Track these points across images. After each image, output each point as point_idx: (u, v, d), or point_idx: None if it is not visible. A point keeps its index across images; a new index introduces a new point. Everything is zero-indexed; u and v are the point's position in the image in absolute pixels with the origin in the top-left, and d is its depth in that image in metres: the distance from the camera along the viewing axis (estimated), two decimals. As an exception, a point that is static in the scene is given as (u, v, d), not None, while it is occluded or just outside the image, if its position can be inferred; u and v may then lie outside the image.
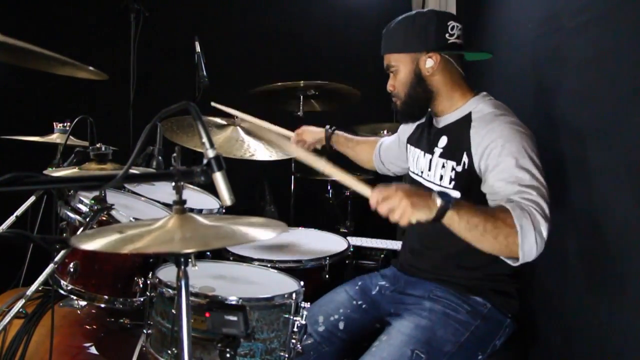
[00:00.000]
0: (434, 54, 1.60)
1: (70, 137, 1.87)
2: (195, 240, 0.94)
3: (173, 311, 1.33)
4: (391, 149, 2.03)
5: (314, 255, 1.88)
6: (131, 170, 0.98)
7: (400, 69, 1.64)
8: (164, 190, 1.89)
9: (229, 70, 3.18)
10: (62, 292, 1.55)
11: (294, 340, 1.38)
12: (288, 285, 1.50)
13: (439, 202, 1.28)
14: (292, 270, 1.73)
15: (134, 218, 1.59)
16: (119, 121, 2.90)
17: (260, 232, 0.99)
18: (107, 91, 2.89)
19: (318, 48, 3.46)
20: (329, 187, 3.13)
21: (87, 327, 1.74)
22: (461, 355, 1.51)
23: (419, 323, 1.52)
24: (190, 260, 0.96)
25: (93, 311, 1.78)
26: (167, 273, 1.45)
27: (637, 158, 1.35)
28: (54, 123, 2.32)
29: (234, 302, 1.30)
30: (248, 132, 2.16)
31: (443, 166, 1.61)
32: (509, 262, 1.37)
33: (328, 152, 2.09)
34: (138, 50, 2.94)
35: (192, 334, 0.96)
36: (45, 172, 1.52)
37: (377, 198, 1.29)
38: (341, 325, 1.68)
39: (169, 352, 1.33)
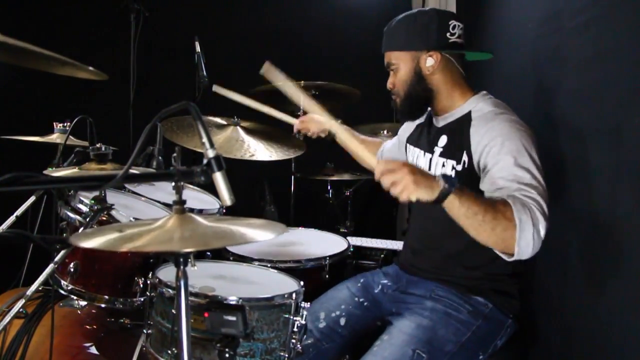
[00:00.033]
0: (435, 52, 1.60)
1: (70, 137, 1.87)
2: (194, 239, 0.94)
3: (173, 311, 1.33)
4: (392, 151, 2.03)
5: (314, 255, 1.88)
6: (131, 170, 0.98)
7: (400, 67, 1.64)
8: (164, 190, 1.90)
9: (229, 70, 3.18)
10: (62, 292, 1.55)
11: (293, 340, 1.38)
12: (288, 285, 1.50)
13: (442, 184, 1.28)
14: (292, 270, 1.73)
15: (134, 218, 1.59)
16: (119, 121, 2.90)
17: (259, 233, 0.99)
18: (107, 91, 2.88)
19: (318, 48, 3.45)
20: (329, 187, 3.13)
21: (87, 327, 1.74)
22: (462, 355, 1.51)
23: (420, 323, 1.52)
24: (189, 260, 0.96)
25: (93, 311, 1.78)
26: (167, 273, 1.45)
27: (637, 158, 1.35)
28: (54, 123, 2.32)
29: (233, 302, 1.30)
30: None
31: (443, 165, 1.61)
32: (504, 257, 1.36)
33: (330, 143, 2.07)
34: (138, 50, 2.94)
35: (191, 334, 0.96)
36: (45, 172, 1.51)
37: (382, 169, 1.29)
38: (342, 322, 1.68)
39: (169, 352, 1.33)
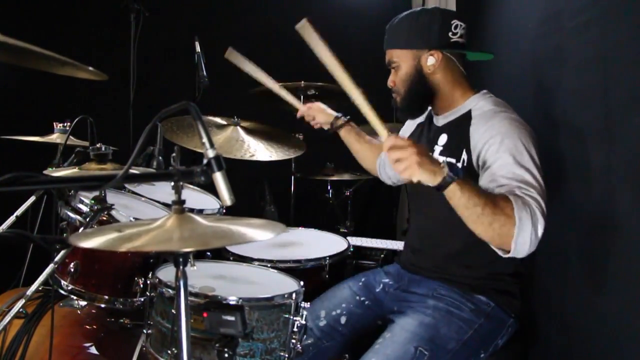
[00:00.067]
0: (436, 52, 1.60)
1: (70, 137, 1.87)
2: (193, 239, 0.94)
3: (173, 311, 1.33)
4: None
5: (314, 255, 1.88)
6: (131, 170, 0.98)
7: (401, 65, 1.64)
8: (164, 190, 1.89)
9: (229, 70, 3.18)
10: (62, 292, 1.55)
11: (293, 340, 1.38)
12: (288, 285, 1.50)
13: (446, 171, 1.28)
14: (292, 270, 1.73)
15: (133, 218, 1.59)
16: (119, 121, 2.90)
17: (258, 233, 0.99)
18: (107, 91, 2.89)
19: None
20: (329, 187, 3.13)
21: (87, 327, 1.74)
22: (464, 353, 1.51)
23: (422, 320, 1.52)
24: (189, 260, 0.96)
25: (93, 311, 1.78)
26: (167, 273, 1.45)
27: (637, 158, 1.35)
28: (54, 123, 2.33)
29: (232, 302, 1.30)
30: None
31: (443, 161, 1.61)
32: (500, 252, 1.37)
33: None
34: (138, 50, 2.93)
35: (191, 333, 0.96)
36: (45, 172, 1.51)
37: (391, 143, 1.29)
38: (343, 320, 1.68)
39: (169, 352, 1.33)
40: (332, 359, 1.69)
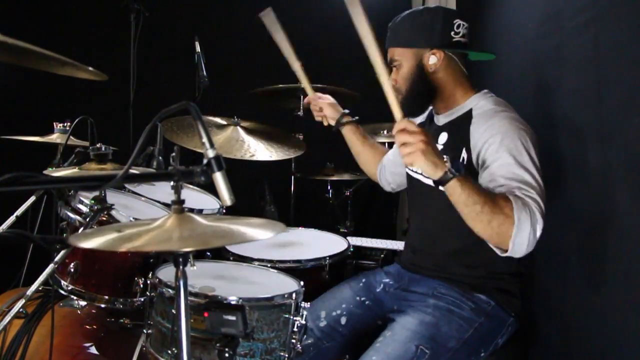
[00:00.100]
0: (438, 51, 1.60)
1: (71, 137, 1.87)
2: (193, 239, 0.94)
3: (173, 311, 1.33)
4: (393, 155, 2.01)
5: (314, 255, 1.88)
6: (131, 170, 0.98)
7: (403, 63, 1.64)
8: (164, 190, 1.89)
9: (229, 70, 3.18)
10: (62, 292, 1.55)
11: (294, 340, 1.38)
12: (288, 285, 1.50)
13: (448, 166, 1.30)
14: (292, 270, 1.73)
15: (133, 218, 1.59)
16: (119, 121, 2.90)
17: (258, 232, 0.99)
18: (107, 91, 2.88)
19: (318, 48, 3.44)
20: (329, 187, 3.13)
21: (87, 327, 1.74)
22: (465, 351, 1.52)
23: (423, 319, 1.52)
24: (189, 260, 0.96)
25: (93, 311, 1.78)
26: (167, 273, 1.45)
27: (636, 158, 1.35)
28: (54, 123, 2.32)
29: (233, 302, 1.30)
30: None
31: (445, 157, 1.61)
32: (497, 251, 1.38)
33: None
34: (138, 50, 2.93)
35: (191, 333, 0.96)
36: (45, 172, 1.51)
37: (402, 126, 1.31)
38: (343, 321, 1.68)
39: (169, 352, 1.33)
40: (333, 359, 1.69)
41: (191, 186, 2.03)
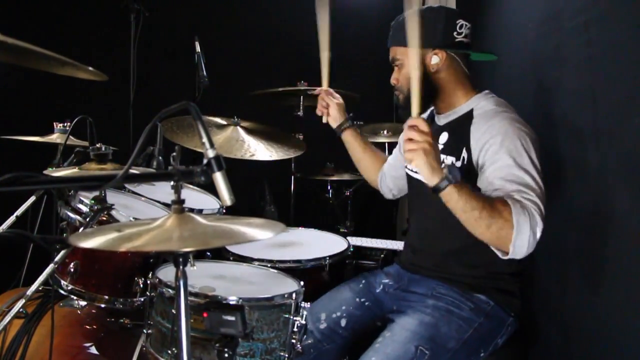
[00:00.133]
0: (440, 51, 1.60)
1: (70, 137, 1.87)
2: (193, 239, 0.94)
3: (173, 311, 1.33)
4: (393, 159, 2.01)
5: (314, 255, 1.88)
6: (131, 170, 0.98)
7: (405, 63, 1.64)
8: (164, 190, 1.89)
9: (229, 70, 3.18)
10: (62, 292, 1.55)
11: (293, 340, 1.38)
12: (288, 285, 1.50)
13: (445, 172, 1.31)
14: (292, 270, 1.73)
15: (133, 218, 1.59)
16: (119, 121, 2.90)
17: (258, 232, 0.99)
18: (107, 91, 2.88)
19: (318, 48, 3.45)
20: (329, 187, 3.13)
21: (87, 327, 1.74)
22: (464, 351, 1.52)
23: (422, 320, 1.52)
24: (189, 259, 0.96)
25: (93, 311, 1.77)
26: (167, 273, 1.45)
27: (636, 158, 1.35)
28: (54, 123, 2.32)
29: (232, 302, 1.30)
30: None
31: (442, 162, 1.61)
32: (499, 254, 1.39)
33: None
34: (138, 50, 2.94)
35: (191, 333, 0.96)
36: (45, 172, 1.51)
37: (414, 123, 1.34)
38: (343, 323, 1.68)
39: (169, 352, 1.33)
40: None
41: (191, 186, 2.03)
